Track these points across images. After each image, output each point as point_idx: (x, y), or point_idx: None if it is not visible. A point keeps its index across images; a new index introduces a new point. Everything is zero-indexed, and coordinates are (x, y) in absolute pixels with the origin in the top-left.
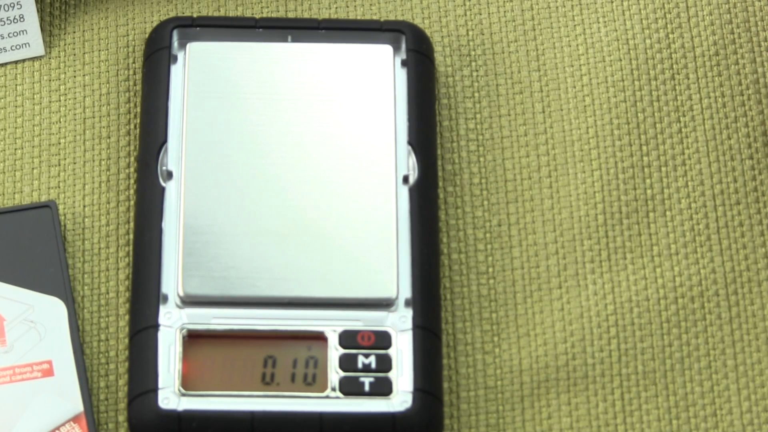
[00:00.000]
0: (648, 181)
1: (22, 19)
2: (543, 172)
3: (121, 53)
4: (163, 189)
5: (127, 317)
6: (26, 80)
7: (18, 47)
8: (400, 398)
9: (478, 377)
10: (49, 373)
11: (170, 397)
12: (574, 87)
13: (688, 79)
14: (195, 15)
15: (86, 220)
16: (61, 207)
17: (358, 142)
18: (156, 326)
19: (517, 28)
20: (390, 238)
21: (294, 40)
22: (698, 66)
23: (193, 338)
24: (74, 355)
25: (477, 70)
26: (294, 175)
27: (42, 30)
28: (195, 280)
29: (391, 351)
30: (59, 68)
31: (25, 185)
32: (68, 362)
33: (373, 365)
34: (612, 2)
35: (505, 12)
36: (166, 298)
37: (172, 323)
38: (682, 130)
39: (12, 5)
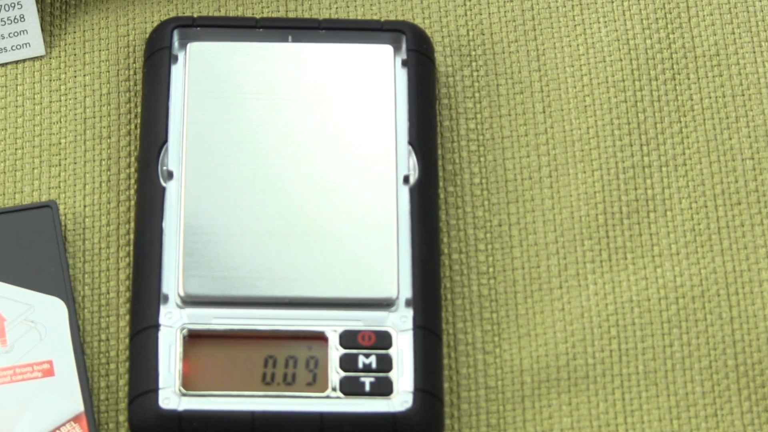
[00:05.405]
0: (649, 181)
1: (22, 19)
2: (543, 172)
3: (121, 53)
4: (163, 189)
5: (127, 317)
6: (26, 80)
7: (18, 47)
8: (401, 398)
9: (478, 377)
10: (49, 373)
11: (171, 397)
12: (575, 87)
13: (689, 79)
14: (195, 15)
15: (87, 220)
16: (61, 207)
17: (359, 142)
18: (156, 326)
19: (518, 28)
20: (390, 238)
21: (294, 40)
22: (698, 66)
23: (193, 338)
24: (75, 355)
25: (477, 70)
26: (294, 175)
27: (42, 30)
28: (195, 280)
29: (391, 351)
30: (59, 68)
31: (25, 185)
32: (69, 362)
33: (374, 365)
34: (612, 2)
35: (505, 12)
36: (166, 298)
37: (173, 323)
38: (683, 130)
39: (12, 5)
